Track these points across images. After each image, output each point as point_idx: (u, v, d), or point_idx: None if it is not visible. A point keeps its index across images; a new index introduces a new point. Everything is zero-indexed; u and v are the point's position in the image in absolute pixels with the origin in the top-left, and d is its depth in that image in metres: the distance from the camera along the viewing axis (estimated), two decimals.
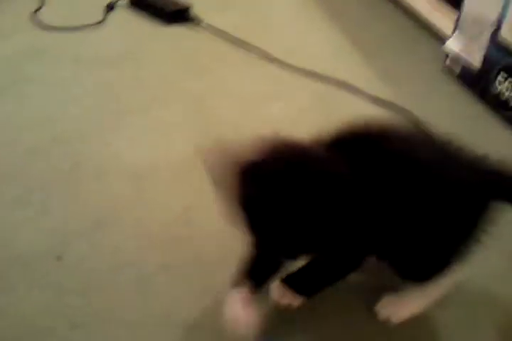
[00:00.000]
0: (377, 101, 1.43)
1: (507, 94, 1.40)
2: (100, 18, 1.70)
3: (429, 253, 0.79)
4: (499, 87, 1.42)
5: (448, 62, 1.62)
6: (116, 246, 1.01)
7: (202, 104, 1.38)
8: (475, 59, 1.50)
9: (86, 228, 1.03)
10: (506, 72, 1.39)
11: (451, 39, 1.59)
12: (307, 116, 1.33)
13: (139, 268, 0.97)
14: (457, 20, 1.57)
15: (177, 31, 1.70)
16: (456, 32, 1.57)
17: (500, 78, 1.41)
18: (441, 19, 1.75)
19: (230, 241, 0.93)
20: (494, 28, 1.41)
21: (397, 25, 1.89)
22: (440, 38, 1.69)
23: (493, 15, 1.42)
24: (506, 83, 1.40)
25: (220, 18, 1.77)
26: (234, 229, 0.71)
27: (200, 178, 1.08)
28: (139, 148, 1.22)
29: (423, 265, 0.82)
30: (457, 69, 1.58)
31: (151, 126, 1.29)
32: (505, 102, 1.40)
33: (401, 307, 0.88)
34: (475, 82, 1.51)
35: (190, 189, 1.11)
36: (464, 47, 1.54)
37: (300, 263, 0.85)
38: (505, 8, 1.37)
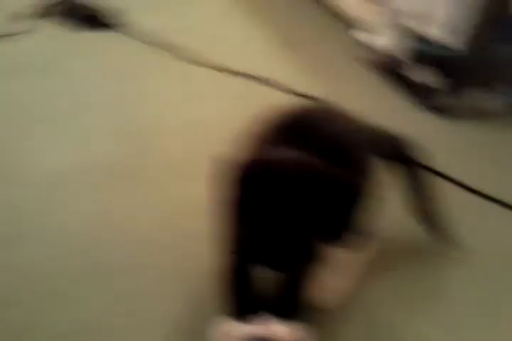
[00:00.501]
0: (296, 93, 1.43)
1: (419, 79, 1.39)
2: (28, 25, 1.66)
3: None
4: (414, 74, 1.42)
5: (363, 51, 1.61)
6: (30, 256, 0.96)
7: (123, 108, 1.35)
8: (388, 47, 1.50)
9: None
10: (420, 58, 1.39)
11: (364, 28, 1.59)
12: (230, 112, 1.32)
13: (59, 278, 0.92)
14: (370, 10, 1.57)
15: (99, 37, 1.67)
16: (368, 21, 1.58)
17: (414, 65, 1.41)
18: (357, 10, 1.75)
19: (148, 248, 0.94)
20: (401, 15, 1.41)
21: (314, 19, 1.90)
22: (355, 28, 1.69)
23: (402, 5, 1.42)
24: (420, 69, 1.39)
25: (144, 21, 1.74)
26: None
27: (118, 183, 1.08)
28: (55, 154, 1.19)
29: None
30: (370, 57, 1.58)
31: (71, 132, 1.27)
32: (422, 88, 1.40)
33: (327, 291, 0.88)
34: (390, 69, 1.51)
35: (108, 193, 1.09)
36: (377, 36, 1.53)
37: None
38: None
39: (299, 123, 0.82)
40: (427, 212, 0.96)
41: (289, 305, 0.80)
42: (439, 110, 1.38)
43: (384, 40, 1.50)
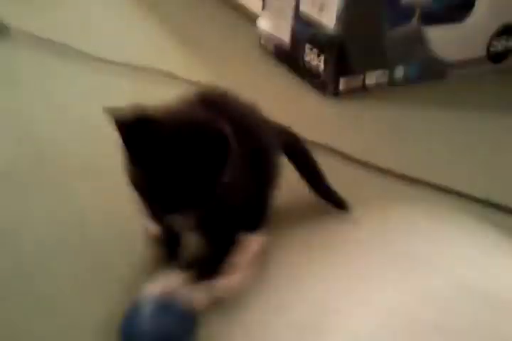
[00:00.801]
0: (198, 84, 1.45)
1: (314, 63, 1.47)
2: None
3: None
4: (307, 59, 1.49)
5: (262, 40, 1.68)
6: None
7: (18, 117, 1.31)
8: (284, 35, 1.56)
9: None
10: (311, 43, 1.46)
11: (261, 18, 1.65)
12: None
13: None
14: (263, 1, 1.63)
15: None
16: (264, 10, 1.64)
17: (307, 51, 1.48)
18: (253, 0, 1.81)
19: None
20: (295, 2, 1.48)
21: (215, 13, 1.94)
22: (254, 20, 1.75)
23: None
24: (312, 54, 1.47)
25: (31, 24, 1.71)
26: None
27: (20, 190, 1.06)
28: None
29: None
30: (270, 47, 1.64)
31: None
32: (315, 71, 1.47)
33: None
34: (287, 56, 1.57)
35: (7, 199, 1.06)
36: (273, 25, 1.60)
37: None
38: None
39: (208, 101, 0.85)
40: (319, 186, 1.04)
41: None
42: (328, 90, 1.46)
43: (285, 29, 1.55)
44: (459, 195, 1.11)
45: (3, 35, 1.65)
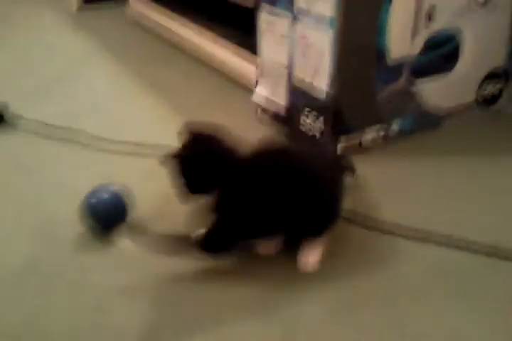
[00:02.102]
0: None
1: (312, 130, 1.53)
2: None
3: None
4: (304, 126, 1.55)
5: (259, 111, 1.75)
6: None
7: (36, 206, 1.34)
8: (280, 103, 1.63)
9: None
10: (306, 110, 1.53)
11: (256, 89, 1.73)
12: (146, 188, 1.35)
13: None
14: (258, 69, 1.71)
15: None
16: (260, 81, 1.72)
17: (303, 118, 1.55)
18: (249, 72, 1.89)
19: None
20: (288, 70, 1.56)
21: (214, 85, 2.02)
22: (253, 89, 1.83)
23: (284, 59, 1.57)
24: (308, 120, 1.53)
25: (35, 113, 1.78)
26: None
27: (39, 284, 1.09)
28: None
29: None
30: (268, 117, 1.70)
31: None
32: (313, 138, 1.53)
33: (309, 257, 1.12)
34: (285, 125, 1.63)
35: (28, 298, 1.08)
36: (269, 95, 1.67)
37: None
38: (291, 50, 1.53)
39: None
40: None
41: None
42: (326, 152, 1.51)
43: (280, 98, 1.63)
44: (466, 242, 1.15)
45: (11, 125, 1.73)
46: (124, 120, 1.77)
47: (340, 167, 1.25)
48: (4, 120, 1.74)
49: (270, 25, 1.60)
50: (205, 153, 1.07)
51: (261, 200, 1.06)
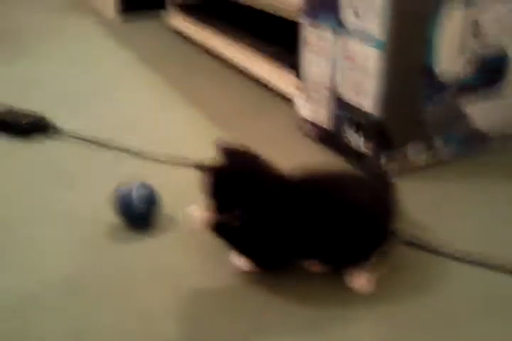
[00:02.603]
0: None
1: (357, 146, 1.49)
2: None
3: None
4: (351, 142, 1.52)
5: (302, 124, 1.72)
6: None
7: (78, 214, 1.34)
8: (323, 119, 1.60)
9: None
10: (351, 126, 1.49)
11: (300, 104, 1.70)
12: (185, 201, 1.32)
13: None
14: (300, 85, 1.68)
15: (35, 143, 1.69)
16: (303, 97, 1.69)
17: (349, 133, 1.51)
18: (288, 86, 1.87)
19: None
20: (331, 88, 1.53)
21: (252, 96, 2.01)
22: (292, 102, 1.81)
23: (327, 76, 1.53)
24: (354, 136, 1.50)
25: (76, 122, 1.79)
26: None
27: (84, 295, 1.08)
28: (11, 275, 1.15)
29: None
30: (311, 131, 1.68)
31: (21, 249, 1.22)
32: (359, 153, 1.49)
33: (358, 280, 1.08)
34: (332, 140, 1.60)
35: (73, 308, 1.07)
36: (311, 110, 1.64)
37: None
38: (334, 67, 1.49)
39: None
40: None
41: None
42: (373, 171, 1.47)
43: (325, 114, 1.60)
44: None
45: (53, 135, 1.73)
46: (159, 133, 1.75)
47: (387, 188, 1.18)
48: (46, 131, 1.74)
49: (312, 42, 1.57)
50: (242, 170, 1.04)
51: (294, 224, 1.02)
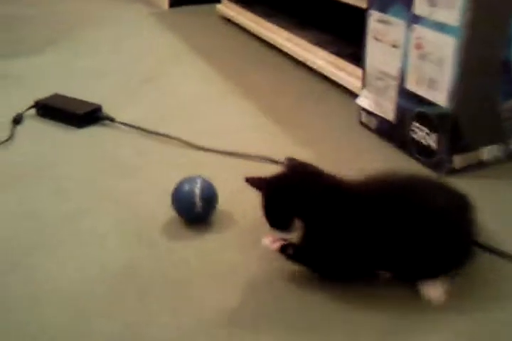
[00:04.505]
0: None
1: (424, 141, 1.42)
2: (8, 133, 1.63)
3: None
4: (417, 135, 1.44)
5: (363, 117, 1.65)
6: None
7: (133, 204, 1.31)
8: (388, 111, 1.53)
9: None
10: (419, 119, 1.42)
11: (361, 95, 1.63)
12: (241, 197, 1.28)
13: None
14: (363, 76, 1.61)
15: (92, 133, 1.66)
16: (365, 87, 1.61)
17: (415, 126, 1.44)
18: (349, 78, 1.80)
19: None
20: (399, 79, 1.45)
21: (308, 88, 1.94)
22: (352, 94, 1.74)
23: (394, 67, 1.46)
24: (422, 130, 1.42)
25: (132, 113, 1.76)
26: None
27: (140, 288, 1.05)
28: (72, 266, 1.12)
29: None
30: (373, 124, 1.61)
31: (81, 240, 1.20)
32: (426, 148, 1.41)
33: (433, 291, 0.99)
34: (393, 133, 1.53)
35: (129, 302, 1.03)
36: (375, 101, 1.57)
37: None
38: (404, 58, 1.42)
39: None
40: None
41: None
42: (442, 168, 1.40)
43: (388, 105, 1.53)
44: None
45: (107, 124, 1.71)
46: (214, 125, 1.70)
47: (462, 198, 1.06)
48: (101, 118, 1.72)
49: (379, 32, 1.50)
50: (304, 182, 0.98)
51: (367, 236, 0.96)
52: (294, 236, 1.01)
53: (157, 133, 1.62)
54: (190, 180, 1.21)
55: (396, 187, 0.99)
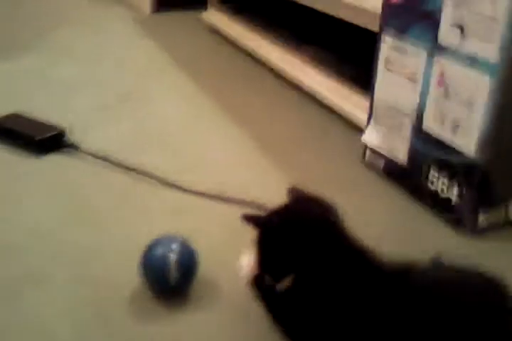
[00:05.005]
0: None
1: (444, 192, 1.20)
2: None
3: None
4: (434, 185, 1.23)
5: (368, 155, 1.43)
6: None
7: (92, 269, 1.06)
8: (399, 152, 1.31)
9: None
10: (438, 167, 1.20)
11: (367, 131, 1.41)
12: (228, 258, 1.03)
13: None
14: (370, 110, 1.40)
15: (51, 163, 1.42)
16: (372, 123, 1.40)
17: (432, 174, 1.22)
18: (354, 109, 1.58)
19: None
20: (414, 117, 1.24)
21: (305, 115, 1.72)
22: (357, 129, 1.52)
23: (410, 104, 1.25)
24: (441, 180, 1.21)
25: (99, 139, 1.52)
26: None
27: None
28: None
29: None
30: (380, 164, 1.39)
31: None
32: (444, 201, 1.20)
33: None
34: (404, 177, 1.31)
35: None
36: (384, 140, 1.36)
37: None
38: (423, 95, 1.21)
39: None
40: None
41: None
42: (464, 225, 1.19)
43: (400, 146, 1.32)
44: None
45: (68, 152, 1.46)
46: (197, 158, 1.47)
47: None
48: (62, 146, 1.47)
49: (393, 62, 1.28)
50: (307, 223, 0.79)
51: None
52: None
53: (128, 168, 1.38)
54: (165, 242, 0.97)
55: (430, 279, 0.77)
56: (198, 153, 1.49)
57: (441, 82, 1.15)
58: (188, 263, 0.96)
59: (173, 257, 0.93)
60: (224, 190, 1.28)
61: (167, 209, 1.24)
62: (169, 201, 1.27)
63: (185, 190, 1.30)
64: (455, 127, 1.14)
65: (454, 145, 1.15)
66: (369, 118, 1.41)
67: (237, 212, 1.19)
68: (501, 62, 1.02)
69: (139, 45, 2.34)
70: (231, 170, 1.41)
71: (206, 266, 1.00)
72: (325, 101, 1.70)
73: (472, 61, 1.07)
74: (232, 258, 0.89)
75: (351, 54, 1.85)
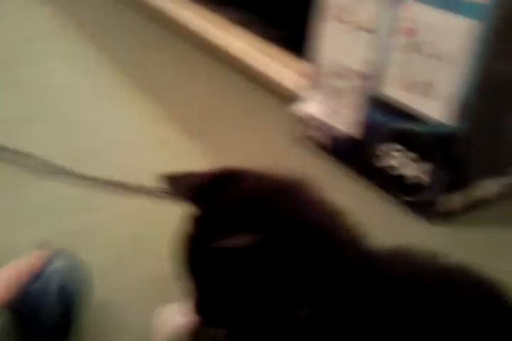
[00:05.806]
0: None
1: (408, 171, 0.98)
2: None
3: None
4: (393, 162, 1.00)
5: (308, 129, 1.19)
6: None
7: None
8: (345, 123, 1.08)
9: None
10: (402, 140, 0.98)
11: (307, 99, 1.17)
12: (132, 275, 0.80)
13: None
14: (310, 73, 1.15)
15: None
16: (311, 89, 1.15)
17: (392, 150, 1.00)
18: (289, 75, 1.33)
19: None
20: (369, 81, 1.01)
21: (228, 84, 1.46)
22: (288, 99, 1.27)
23: (362, 64, 1.01)
24: (398, 155, 0.99)
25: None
26: None
27: None
28: None
29: None
30: (320, 138, 1.15)
31: None
32: (403, 179, 0.98)
33: None
34: (352, 153, 1.08)
35: None
36: (327, 109, 1.12)
37: None
38: (382, 53, 0.97)
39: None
40: None
41: None
42: (432, 209, 0.98)
43: (347, 114, 1.08)
44: None
45: None
46: (101, 141, 1.17)
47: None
48: None
49: (342, 9, 1.04)
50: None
51: None
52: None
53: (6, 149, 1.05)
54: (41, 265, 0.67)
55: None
56: (102, 133, 1.20)
57: (410, 31, 0.91)
58: (72, 291, 0.69)
59: (52, 285, 0.66)
60: (133, 177, 0.99)
61: (62, 205, 0.95)
62: (64, 194, 0.98)
63: (86, 178, 1.00)
64: (426, 88, 0.92)
65: (422, 112, 0.93)
66: (307, 85, 1.16)
67: (152, 204, 0.93)
68: (493, 2, 0.80)
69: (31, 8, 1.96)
70: (142, 153, 1.15)
71: (102, 291, 0.72)
72: (248, 69, 1.45)
73: (455, 3, 0.84)
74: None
75: (278, 16, 1.60)
